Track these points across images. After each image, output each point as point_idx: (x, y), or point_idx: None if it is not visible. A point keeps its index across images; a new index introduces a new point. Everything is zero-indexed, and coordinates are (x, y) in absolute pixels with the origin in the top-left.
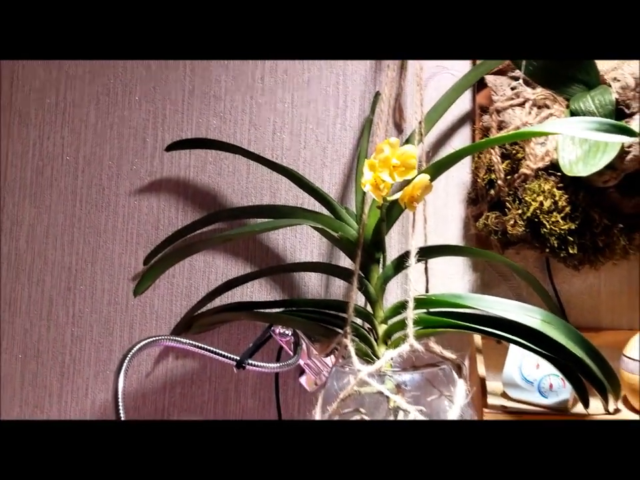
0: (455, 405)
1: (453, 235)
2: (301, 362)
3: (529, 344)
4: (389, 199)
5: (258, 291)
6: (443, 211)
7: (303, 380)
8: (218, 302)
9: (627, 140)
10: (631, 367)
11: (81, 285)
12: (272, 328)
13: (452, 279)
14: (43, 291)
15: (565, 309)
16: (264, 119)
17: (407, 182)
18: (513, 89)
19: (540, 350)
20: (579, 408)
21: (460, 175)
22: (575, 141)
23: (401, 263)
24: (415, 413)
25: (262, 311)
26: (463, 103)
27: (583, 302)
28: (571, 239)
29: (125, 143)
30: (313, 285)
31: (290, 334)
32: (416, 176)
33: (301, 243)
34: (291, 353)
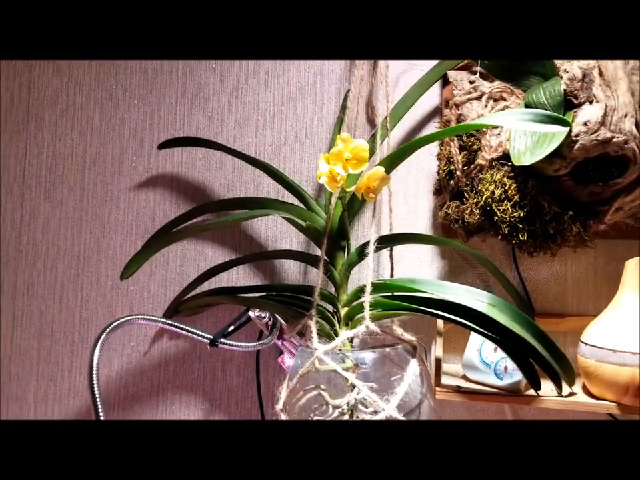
0: (403, 381)
1: (422, 224)
2: (279, 343)
3: (475, 326)
4: (348, 190)
5: (242, 278)
6: (413, 201)
7: (281, 360)
8: (206, 287)
9: (560, 130)
10: (584, 352)
11: (87, 271)
12: (249, 311)
13: (421, 265)
14: (56, 277)
15: (530, 296)
16: (248, 117)
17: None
18: (471, 82)
19: (486, 332)
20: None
21: (429, 167)
22: (526, 131)
23: (364, 251)
24: (365, 390)
25: (241, 295)
26: (432, 98)
27: (549, 289)
28: (521, 226)
29: (125, 143)
30: (291, 272)
31: (266, 316)
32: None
33: (282, 233)
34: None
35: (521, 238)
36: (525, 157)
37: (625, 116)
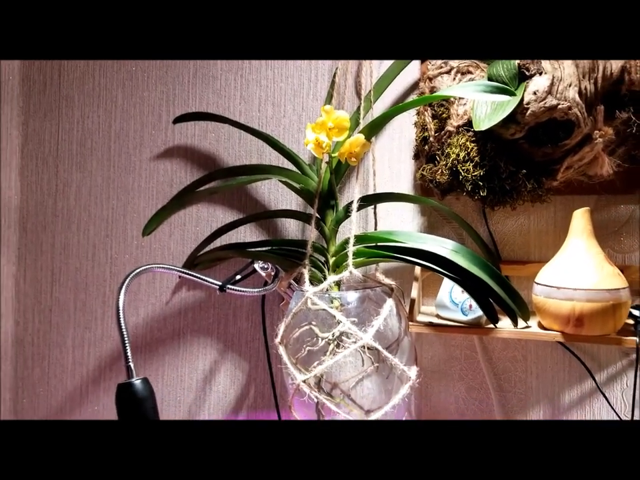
0: (380, 315)
1: (405, 185)
2: (280, 291)
3: (441, 269)
4: (333, 155)
5: (249, 235)
6: (396, 166)
7: (283, 306)
8: (218, 244)
9: (506, 98)
10: (536, 290)
11: (115, 233)
12: (254, 263)
13: (404, 222)
14: (88, 238)
15: (498, 246)
16: (251, 93)
17: None
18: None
19: (449, 274)
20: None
21: (411, 135)
22: (487, 101)
23: (350, 208)
24: (347, 323)
25: (247, 249)
26: (412, 73)
27: (515, 239)
28: (481, 183)
29: (145, 118)
30: (291, 229)
31: (269, 267)
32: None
33: (282, 196)
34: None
35: (482, 194)
36: (484, 122)
37: (570, 85)
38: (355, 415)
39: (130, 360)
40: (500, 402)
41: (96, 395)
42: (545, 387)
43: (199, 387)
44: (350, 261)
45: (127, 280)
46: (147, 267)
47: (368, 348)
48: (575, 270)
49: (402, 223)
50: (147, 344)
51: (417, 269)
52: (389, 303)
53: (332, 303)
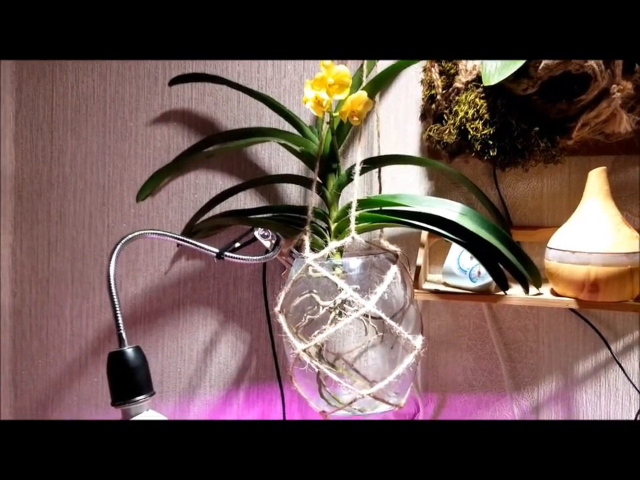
0: (383, 282)
1: (412, 148)
2: (281, 259)
3: (448, 234)
4: (334, 114)
5: (249, 202)
6: (403, 127)
7: (284, 275)
8: (217, 212)
9: None
10: (549, 255)
11: (112, 201)
12: (254, 230)
13: (410, 187)
14: (84, 206)
15: (509, 211)
16: None
17: None
18: None
19: (457, 239)
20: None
21: (418, 94)
22: None
23: (353, 172)
24: (349, 291)
25: (246, 216)
26: None
27: (527, 203)
28: (491, 142)
29: (141, 82)
30: (293, 196)
31: (269, 235)
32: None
33: (283, 161)
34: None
35: (492, 154)
36: (494, 77)
37: None
38: (359, 385)
39: (121, 328)
40: (510, 373)
41: (95, 366)
42: (557, 357)
43: (199, 358)
44: (352, 226)
45: (119, 246)
46: (140, 232)
47: (372, 317)
48: (590, 233)
49: (407, 187)
50: (146, 315)
51: (424, 235)
52: (393, 270)
53: (333, 270)
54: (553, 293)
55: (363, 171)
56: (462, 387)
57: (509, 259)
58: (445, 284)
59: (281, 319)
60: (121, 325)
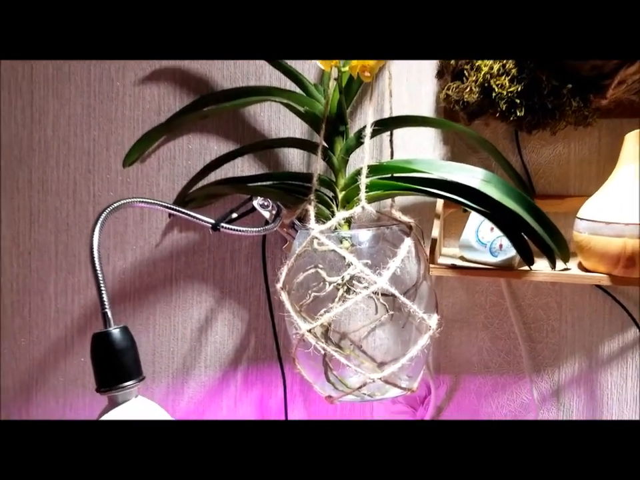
0: (397, 256)
1: (426, 109)
2: (282, 231)
3: (469, 203)
4: (343, 69)
5: (247, 169)
6: (417, 87)
7: (286, 248)
8: (212, 179)
9: None
10: (579, 227)
11: (98, 167)
12: (252, 199)
13: (424, 152)
14: (68, 174)
15: (532, 179)
16: None
17: None
18: None
19: (480, 208)
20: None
21: None
22: None
23: (362, 134)
24: (359, 265)
25: (244, 184)
26: None
27: (552, 171)
28: (518, 101)
29: None
30: (295, 162)
31: (269, 205)
32: None
33: (284, 124)
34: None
35: (519, 114)
36: None
37: None
38: (367, 367)
39: (106, 306)
40: (530, 353)
41: (82, 345)
42: (581, 336)
43: (193, 337)
44: (362, 194)
45: (103, 215)
46: (128, 201)
47: (382, 294)
48: (626, 202)
49: (421, 153)
50: (135, 291)
51: (439, 205)
52: (407, 243)
53: (341, 243)
54: (581, 267)
55: (373, 134)
56: (477, 369)
57: (536, 231)
58: (462, 258)
59: (284, 297)
60: (105, 303)
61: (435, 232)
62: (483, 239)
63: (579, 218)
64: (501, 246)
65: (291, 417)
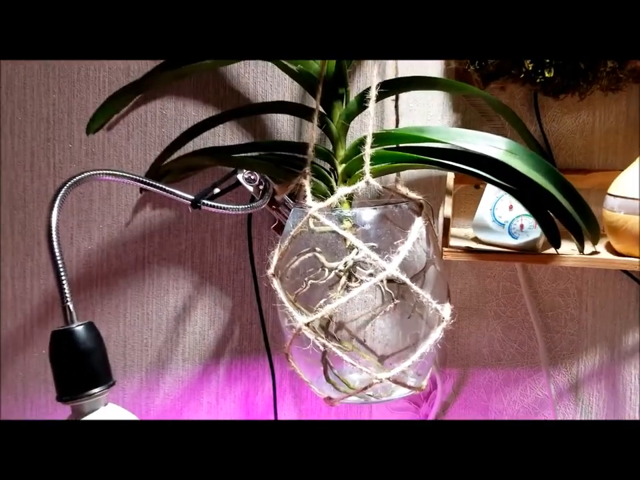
0: (408, 239)
1: (434, 69)
2: (271, 209)
3: (490, 176)
4: None
5: (230, 138)
6: None
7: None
8: (190, 150)
9: None
10: (612, 204)
11: (59, 136)
12: (237, 173)
13: (431, 120)
14: (25, 143)
15: (552, 151)
16: None
17: None
18: None
19: (502, 183)
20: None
21: None
22: None
23: (365, 98)
24: (365, 249)
25: (228, 155)
26: None
27: (574, 142)
28: (548, 60)
29: None
30: (284, 131)
31: (257, 179)
32: None
33: (272, 87)
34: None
35: (547, 75)
36: None
37: None
38: (371, 365)
39: (68, 299)
40: (546, 344)
41: (43, 336)
42: (603, 326)
43: (170, 328)
44: (367, 167)
45: (63, 189)
46: (92, 173)
47: (388, 280)
48: None
49: (428, 121)
50: (103, 276)
51: (450, 180)
52: (419, 224)
53: (342, 223)
54: (610, 250)
55: (377, 98)
56: (487, 361)
57: (566, 209)
58: (476, 240)
59: (276, 284)
60: (67, 295)
61: (447, 210)
62: (500, 219)
63: (611, 194)
64: (522, 226)
65: (280, 417)
